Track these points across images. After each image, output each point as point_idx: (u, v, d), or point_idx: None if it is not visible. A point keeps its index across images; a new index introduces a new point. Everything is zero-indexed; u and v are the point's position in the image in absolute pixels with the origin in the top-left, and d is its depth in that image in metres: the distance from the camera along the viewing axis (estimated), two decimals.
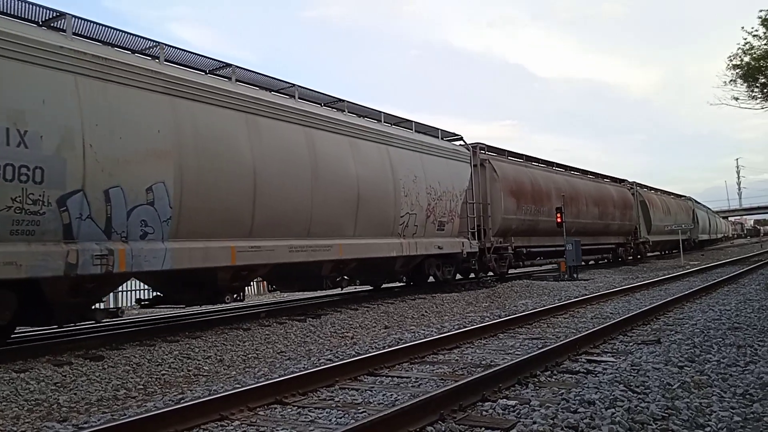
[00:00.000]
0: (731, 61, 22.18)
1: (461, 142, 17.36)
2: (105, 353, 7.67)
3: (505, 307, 12.60)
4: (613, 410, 4.41)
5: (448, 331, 8.64)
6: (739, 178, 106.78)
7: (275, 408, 5.08)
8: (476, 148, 18.25)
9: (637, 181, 32.93)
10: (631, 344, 7.40)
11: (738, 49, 21.80)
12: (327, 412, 4.86)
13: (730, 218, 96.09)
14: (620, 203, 27.95)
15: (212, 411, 4.67)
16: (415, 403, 4.34)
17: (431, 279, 16.18)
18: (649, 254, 34.04)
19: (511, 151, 21.10)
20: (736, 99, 22.93)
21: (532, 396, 5.09)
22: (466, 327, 8.96)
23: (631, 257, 30.47)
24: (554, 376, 5.87)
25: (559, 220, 20.45)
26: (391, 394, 5.35)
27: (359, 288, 16.02)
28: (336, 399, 5.35)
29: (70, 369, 6.91)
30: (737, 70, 22.20)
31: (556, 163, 24.28)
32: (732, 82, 22.67)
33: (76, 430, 4.75)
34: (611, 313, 10.54)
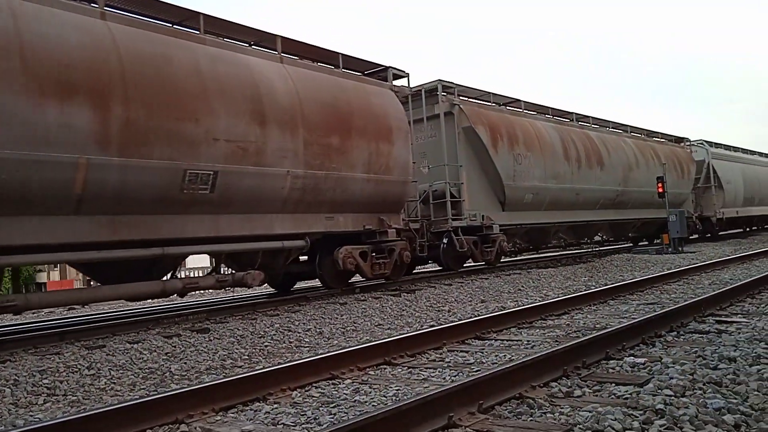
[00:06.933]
0: None
1: None
2: (210, 326, 7.82)
3: (608, 279, 11.95)
4: (758, 367, 3.98)
5: (553, 298, 8.22)
6: None
7: (385, 368, 4.92)
8: None
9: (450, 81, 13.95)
10: (763, 306, 6.72)
11: None
12: (439, 372, 4.65)
13: None
14: (336, 120, 10.01)
15: (323, 370, 4.57)
16: (536, 358, 4.04)
17: None
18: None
19: None
20: None
21: (662, 354, 4.65)
22: (571, 294, 8.50)
23: (387, 272, 11.15)
24: (682, 336, 5.38)
25: (660, 190, 19.10)
26: (504, 355, 5.07)
27: None
28: (446, 360, 5.12)
29: (179, 340, 7.08)
30: None
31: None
32: None
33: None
34: (731, 279, 9.72)
